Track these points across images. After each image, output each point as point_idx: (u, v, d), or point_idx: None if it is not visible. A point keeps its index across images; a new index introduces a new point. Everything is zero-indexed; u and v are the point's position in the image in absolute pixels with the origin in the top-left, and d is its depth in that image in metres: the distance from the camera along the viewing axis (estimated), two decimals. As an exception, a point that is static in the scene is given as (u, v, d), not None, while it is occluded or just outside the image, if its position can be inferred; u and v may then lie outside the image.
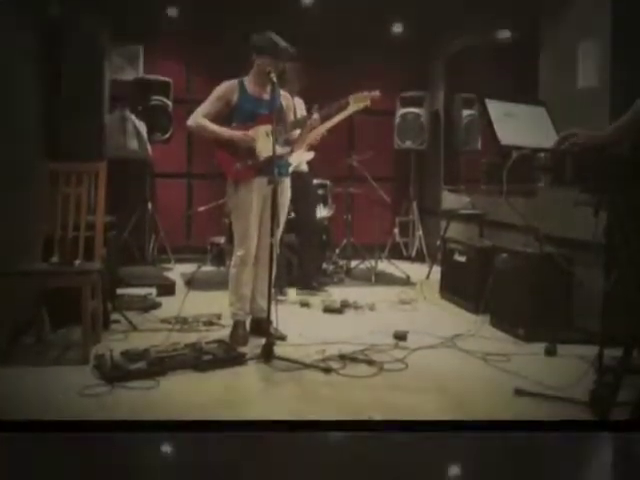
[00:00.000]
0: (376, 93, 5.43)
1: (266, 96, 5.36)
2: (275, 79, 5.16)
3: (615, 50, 5.70)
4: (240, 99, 5.33)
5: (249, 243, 5.31)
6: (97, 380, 4.28)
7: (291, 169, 6.81)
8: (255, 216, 5.30)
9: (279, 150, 5.09)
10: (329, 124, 5.98)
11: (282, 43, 5.27)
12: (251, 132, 5.23)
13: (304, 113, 6.17)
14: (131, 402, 3.98)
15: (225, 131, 5.27)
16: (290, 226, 7.75)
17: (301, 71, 6.96)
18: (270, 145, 5.13)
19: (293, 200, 7.42)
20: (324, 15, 8.95)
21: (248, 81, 5.39)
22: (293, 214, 7.73)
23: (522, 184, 4.71)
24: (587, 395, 3.88)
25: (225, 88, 5.36)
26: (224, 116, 5.37)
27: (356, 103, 5.43)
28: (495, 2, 8.08)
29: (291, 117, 5.54)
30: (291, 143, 5.54)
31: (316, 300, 6.87)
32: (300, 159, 6.98)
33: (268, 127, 5.20)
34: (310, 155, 7.17)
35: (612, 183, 3.74)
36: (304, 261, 7.52)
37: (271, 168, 4.89)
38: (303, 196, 7.29)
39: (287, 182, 5.49)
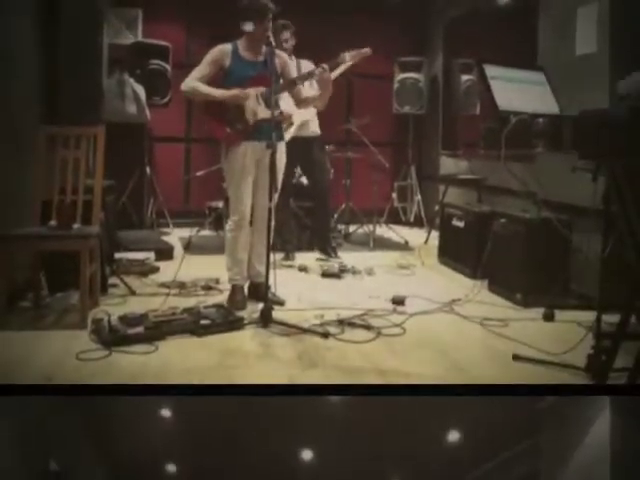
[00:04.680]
0: (367, 50, 5.41)
1: (260, 58, 5.32)
2: (273, 42, 5.15)
3: (615, 15, 5.65)
4: (233, 63, 5.30)
5: (243, 207, 5.30)
6: (95, 345, 4.29)
7: (294, 128, 6.80)
8: (248, 180, 5.29)
9: (267, 113, 5.05)
10: (332, 76, 5.95)
11: (264, 1, 5.23)
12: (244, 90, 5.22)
13: None
14: (129, 367, 3.98)
15: (217, 91, 5.24)
16: (303, 191, 7.77)
17: (291, 28, 6.92)
18: (260, 108, 5.14)
19: (305, 165, 7.44)
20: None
21: (241, 44, 5.36)
22: (305, 180, 7.74)
23: (520, 149, 4.71)
24: (585, 361, 3.90)
25: (218, 52, 5.33)
26: (218, 80, 5.34)
27: (351, 58, 5.41)
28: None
29: (290, 76, 5.49)
30: (301, 102, 5.56)
31: (315, 265, 6.87)
32: (303, 117, 6.97)
33: (259, 89, 5.21)
34: (312, 113, 7.12)
35: (611, 149, 3.73)
36: (319, 227, 7.54)
37: (268, 132, 4.88)
38: (316, 161, 7.30)
39: (282, 146, 5.44)
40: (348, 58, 5.38)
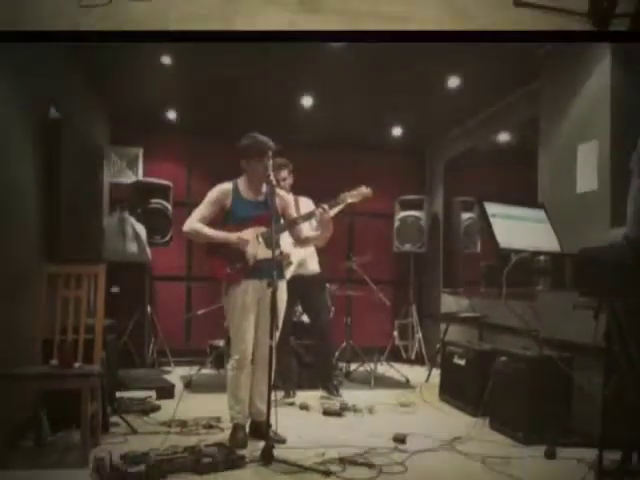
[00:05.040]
0: (367, 190, 5.50)
1: (260, 198, 5.44)
2: (274, 181, 5.30)
3: (615, 152, 5.78)
4: (234, 202, 5.41)
5: (244, 346, 5.33)
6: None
7: (294, 267, 6.86)
8: (249, 319, 5.33)
9: (267, 253, 5.15)
10: (332, 212, 6.05)
11: (264, 140, 5.37)
12: (243, 233, 5.30)
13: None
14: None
15: (219, 234, 5.32)
16: (304, 329, 7.81)
17: (289, 166, 6.97)
18: (260, 248, 5.26)
19: (305, 303, 7.49)
20: (324, 119, 9.13)
21: (242, 183, 5.48)
22: (306, 318, 7.78)
23: (521, 287, 4.76)
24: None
25: (218, 193, 5.43)
26: (219, 219, 5.44)
27: (352, 198, 5.51)
28: (494, 105, 8.32)
29: (291, 216, 5.60)
30: (301, 241, 5.66)
31: (315, 403, 6.85)
32: (300, 257, 7.06)
33: (260, 229, 5.32)
34: (310, 252, 7.21)
35: (611, 287, 3.79)
36: (321, 364, 7.51)
37: (269, 270, 4.97)
38: (315, 299, 7.34)
39: (283, 284, 5.51)
40: (348, 198, 5.48)
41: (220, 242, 5.30)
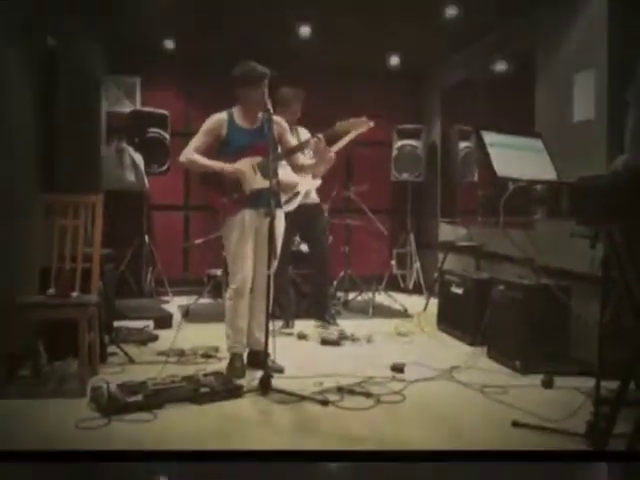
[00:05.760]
0: (363, 119, 5.43)
1: (256, 125, 5.39)
2: (271, 108, 5.19)
3: (612, 81, 5.73)
4: (229, 132, 5.35)
5: (243, 275, 5.31)
6: (94, 413, 4.27)
7: (300, 198, 6.80)
8: (247, 248, 5.31)
9: (264, 183, 5.09)
10: (335, 148, 5.98)
11: (260, 67, 5.29)
12: (239, 164, 5.26)
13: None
14: (128, 434, 3.96)
15: (215, 164, 5.28)
16: (302, 259, 7.80)
17: (302, 97, 6.93)
18: (256, 177, 5.20)
19: (305, 232, 7.47)
20: (321, 46, 8.99)
21: (237, 112, 5.42)
22: (306, 247, 7.77)
23: (519, 216, 4.73)
24: (584, 426, 3.88)
25: (213, 122, 5.39)
26: (215, 148, 5.40)
27: (352, 128, 5.44)
28: (492, 33, 8.18)
29: (288, 143, 5.54)
30: (298, 168, 5.60)
31: (314, 332, 6.87)
32: (308, 187, 7.01)
33: (256, 159, 5.26)
34: (317, 183, 7.17)
35: (608, 215, 3.75)
36: (318, 294, 7.52)
37: (266, 200, 4.92)
38: (315, 228, 7.32)
39: (281, 213, 5.49)
40: (352, 129, 5.41)
41: (216, 172, 5.26)
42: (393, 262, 10.27)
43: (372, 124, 5.41)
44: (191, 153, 5.31)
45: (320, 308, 7.44)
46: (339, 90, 9.96)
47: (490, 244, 7.76)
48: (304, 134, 6.84)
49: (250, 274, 5.35)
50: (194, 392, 4.59)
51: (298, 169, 5.68)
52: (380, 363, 5.65)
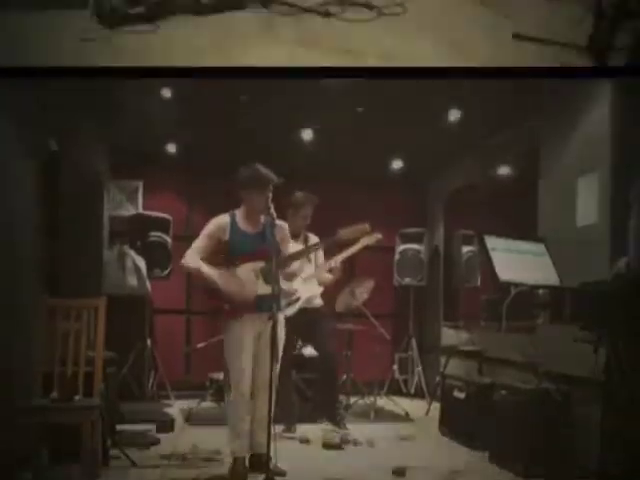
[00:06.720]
0: (366, 226, 5.50)
1: (258, 230, 5.43)
2: (274, 213, 5.22)
3: (615, 185, 5.80)
4: (232, 236, 5.38)
5: (244, 379, 5.31)
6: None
7: (300, 303, 6.83)
8: (248, 353, 5.32)
9: (267, 289, 5.11)
10: (340, 258, 6.03)
11: (265, 172, 5.34)
12: (241, 271, 5.30)
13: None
14: None
15: (215, 277, 5.27)
16: (305, 363, 7.79)
17: (315, 202, 7.01)
18: (258, 283, 5.26)
19: (307, 337, 7.46)
20: (323, 151, 9.12)
21: (240, 215, 5.46)
22: (309, 351, 7.76)
23: (521, 320, 4.77)
24: None
25: (216, 225, 5.41)
26: (217, 251, 5.41)
27: (356, 235, 5.49)
28: (493, 138, 8.35)
29: (287, 249, 5.61)
30: (288, 276, 5.64)
31: (315, 436, 6.83)
32: (310, 293, 7.06)
33: (258, 264, 5.30)
34: (319, 289, 7.21)
35: (611, 321, 3.80)
36: (326, 398, 7.45)
37: (268, 304, 4.95)
38: (319, 332, 7.29)
39: (281, 317, 5.49)
40: (344, 234, 5.47)
41: (216, 285, 5.28)
42: (395, 366, 10.23)
43: (380, 236, 5.47)
44: (196, 260, 5.32)
45: (330, 410, 7.38)
46: (341, 195, 10.08)
47: (492, 348, 7.76)
48: (314, 241, 6.88)
49: (250, 377, 5.35)
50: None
51: (289, 277, 5.74)
52: (382, 467, 5.62)
